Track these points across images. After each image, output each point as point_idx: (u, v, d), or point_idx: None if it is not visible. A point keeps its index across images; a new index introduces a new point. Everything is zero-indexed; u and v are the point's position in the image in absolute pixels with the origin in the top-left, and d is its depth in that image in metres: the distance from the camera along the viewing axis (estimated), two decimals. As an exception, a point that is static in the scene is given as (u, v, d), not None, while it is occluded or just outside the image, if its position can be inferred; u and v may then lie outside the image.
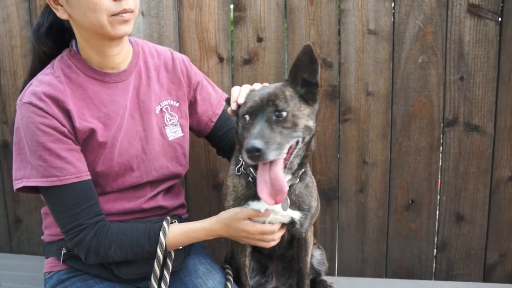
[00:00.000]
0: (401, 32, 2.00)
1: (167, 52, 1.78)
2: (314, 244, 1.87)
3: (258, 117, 1.36)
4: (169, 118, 1.69)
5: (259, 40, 2.06)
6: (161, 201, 1.70)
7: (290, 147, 1.37)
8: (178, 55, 1.80)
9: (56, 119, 1.44)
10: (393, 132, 2.09)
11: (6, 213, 2.34)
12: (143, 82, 1.66)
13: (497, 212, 2.11)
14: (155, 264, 1.51)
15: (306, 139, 1.42)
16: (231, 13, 2.08)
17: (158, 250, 1.51)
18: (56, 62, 1.56)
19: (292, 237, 1.70)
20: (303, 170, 1.54)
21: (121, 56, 1.59)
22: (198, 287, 1.62)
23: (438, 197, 2.13)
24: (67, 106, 1.47)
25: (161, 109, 1.68)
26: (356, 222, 2.18)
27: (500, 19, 1.94)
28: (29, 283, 1.99)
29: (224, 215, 1.54)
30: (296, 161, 1.47)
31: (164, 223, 1.55)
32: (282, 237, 1.65)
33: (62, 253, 1.61)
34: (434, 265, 2.19)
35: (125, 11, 1.44)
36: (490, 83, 2.00)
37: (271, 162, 1.34)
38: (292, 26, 2.04)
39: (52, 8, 1.50)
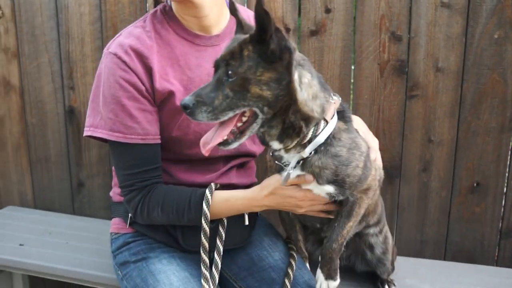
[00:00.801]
0: (477, 5, 1.91)
1: None
2: (376, 234, 1.68)
3: (215, 75, 1.24)
4: None
5: (327, 11, 2.02)
6: (234, 178, 1.65)
7: (250, 114, 1.24)
8: None
9: (137, 75, 1.43)
10: (462, 111, 2.01)
11: (70, 177, 2.42)
12: None
13: None
14: (202, 234, 1.46)
15: (266, 110, 1.21)
16: (299, -17, 2.04)
17: (203, 221, 1.45)
18: (149, 15, 1.53)
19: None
20: (311, 141, 1.31)
21: (211, 19, 1.52)
22: (264, 259, 1.61)
23: (506, 181, 2.04)
24: (150, 64, 1.45)
25: None
26: (417, 202, 2.12)
27: None
28: (93, 243, 2.06)
29: (266, 182, 1.44)
30: (274, 132, 1.28)
31: (207, 189, 1.48)
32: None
33: (129, 216, 1.62)
34: (497, 251, 2.11)
35: None
36: None
37: (222, 123, 1.24)
38: (361, -2, 1.99)
39: None
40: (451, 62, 1.97)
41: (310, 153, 1.32)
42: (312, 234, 1.74)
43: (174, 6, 1.53)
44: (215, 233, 1.52)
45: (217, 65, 1.25)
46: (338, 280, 1.50)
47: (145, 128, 1.47)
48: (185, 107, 1.19)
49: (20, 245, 2.03)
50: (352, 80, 2.10)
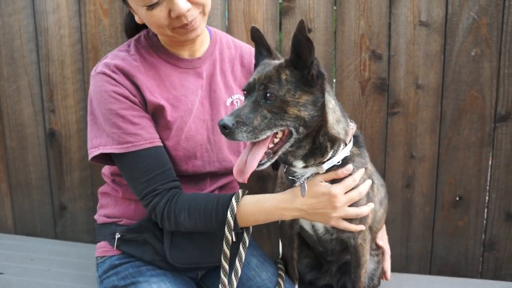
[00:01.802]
0: (454, 24, 1.95)
1: (247, 47, 1.78)
2: (373, 255, 1.75)
3: (249, 96, 1.31)
4: None
5: (308, 30, 2.03)
6: None
7: (283, 134, 1.31)
8: None
9: (127, 89, 1.49)
10: (442, 127, 2.04)
11: (51, 200, 2.38)
12: (216, 72, 1.66)
13: (550, 211, 2.05)
14: (224, 242, 1.45)
15: (301, 130, 1.30)
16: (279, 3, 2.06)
17: (226, 229, 1.43)
18: (133, 41, 1.60)
19: (345, 245, 1.59)
20: (330, 159, 1.39)
21: (197, 44, 1.61)
22: (251, 279, 1.62)
23: (487, 194, 2.08)
24: (137, 81, 1.50)
25: (232, 101, 1.68)
26: (401, 217, 2.14)
27: (559, 11, 1.88)
28: (76, 269, 2.02)
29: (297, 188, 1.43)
30: (300, 152, 1.36)
31: (234, 197, 1.47)
32: (331, 244, 1.60)
33: (116, 238, 1.61)
34: (481, 264, 2.14)
35: (187, 25, 1.46)
36: (547, 77, 1.94)
37: (255, 144, 1.29)
38: (341, 17, 2.01)
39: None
40: (430, 79, 2.01)
41: (326, 170, 1.39)
42: (308, 257, 1.75)
43: (166, 38, 1.57)
44: (238, 240, 1.51)
45: (250, 88, 1.31)
46: None
47: (150, 132, 1.50)
48: (224, 127, 1.22)
49: (0, 273, 1.98)
50: (334, 98, 2.12)
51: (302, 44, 1.24)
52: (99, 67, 1.52)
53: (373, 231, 1.62)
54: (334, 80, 2.11)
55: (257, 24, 2.06)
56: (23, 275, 1.97)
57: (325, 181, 1.40)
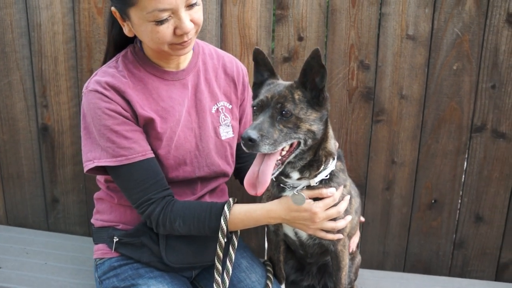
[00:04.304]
0: (438, 39, 2.05)
1: (229, 57, 1.86)
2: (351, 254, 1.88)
3: (264, 112, 1.42)
4: (223, 118, 1.77)
5: (300, 39, 2.11)
6: (207, 200, 1.78)
7: (291, 146, 1.44)
8: (240, 64, 1.89)
9: (119, 105, 1.56)
10: (423, 135, 2.17)
11: (43, 193, 2.43)
12: (201, 81, 1.73)
13: (515, 215, 2.23)
14: (218, 246, 1.58)
15: (309, 143, 1.45)
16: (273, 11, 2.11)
17: (220, 234, 1.56)
18: (120, 57, 1.66)
19: (325, 249, 1.74)
20: (321, 173, 1.54)
21: (182, 56, 1.67)
22: (242, 281, 1.73)
23: (460, 198, 2.24)
24: (128, 97, 1.57)
25: (217, 109, 1.76)
26: (380, 217, 2.29)
27: (537, 32, 2.00)
28: (72, 263, 2.10)
29: (285, 198, 1.57)
30: (300, 163, 1.51)
31: (226, 205, 1.59)
32: (313, 248, 1.75)
33: (114, 241, 1.71)
34: (450, 261, 2.32)
35: (185, 42, 1.54)
36: (521, 93, 2.08)
37: (266, 156, 1.42)
38: (332, 27, 2.09)
39: (120, 23, 1.59)
40: (414, 90, 2.12)
41: (316, 182, 1.55)
42: (293, 259, 1.89)
43: (153, 52, 1.64)
44: (228, 242, 1.65)
45: (263, 105, 1.44)
46: None
47: (142, 145, 1.59)
48: (250, 140, 1.34)
49: (-1, 267, 2.05)
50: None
51: (314, 70, 1.42)
52: (91, 84, 1.58)
53: (349, 236, 1.76)
54: (323, 87, 2.20)
55: (251, 30, 2.11)
56: (21, 269, 2.04)
57: (309, 198, 1.55)
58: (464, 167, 2.20)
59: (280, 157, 1.44)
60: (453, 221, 2.27)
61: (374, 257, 2.33)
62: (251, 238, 2.36)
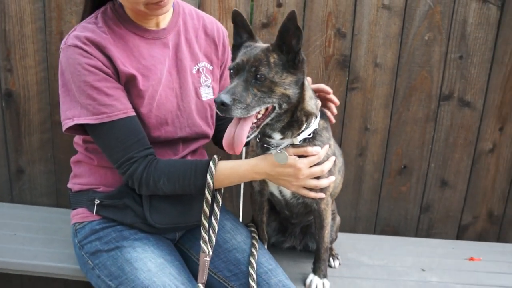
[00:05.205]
0: (412, 9, 2.13)
1: (209, 18, 1.83)
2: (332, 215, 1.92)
3: (239, 75, 1.42)
4: (204, 79, 1.75)
5: (279, 5, 2.11)
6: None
7: (267, 109, 1.44)
8: (221, 25, 1.86)
9: (100, 61, 1.52)
10: (395, 103, 2.25)
11: (7, 163, 2.30)
12: (182, 41, 1.70)
13: (476, 180, 2.37)
14: (204, 202, 1.57)
15: (284, 106, 1.46)
16: (252, -24, 2.10)
17: (206, 190, 1.56)
18: (100, 13, 1.60)
19: (309, 208, 1.78)
20: (303, 132, 1.56)
21: (161, 16, 1.63)
22: (227, 241, 1.73)
23: (428, 164, 2.35)
24: (108, 52, 1.53)
25: (198, 69, 1.73)
26: (353, 183, 2.36)
27: (501, 4, 2.11)
28: (43, 233, 2.01)
29: (270, 155, 1.57)
30: (279, 125, 1.52)
31: (211, 161, 1.58)
32: (297, 208, 1.78)
33: (96, 204, 1.66)
34: (417, 224, 2.44)
35: (161, 1, 1.50)
36: (485, 63, 2.20)
37: (242, 119, 1.43)
38: (311, -6, 2.10)
39: None
40: (387, 59, 2.19)
41: (300, 140, 1.56)
42: (276, 221, 1.91)
43: (131, 11, 1.60)
44: (212, 200, 1.62)
45: (239, 68, 1.42)
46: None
47: (124, 103, 1.55)
48: (223, 104, 1.33)
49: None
50: (299, 72, 2.23)
51: (290, 32, 1.39)
52: (70, 39, 1.52)
53: (332, 196, 1.81)
54: (300, 54, 2.22)
55: (230, -5, 2.09)
56: (-11, 240, 1.93)
57: (295, 155, 1.56)
58: (432, 134, 2.31)
59: (255, 120, 1.44)
60: (421, 186, 2.39)
61: (346, 222, 2.41)
62: (226, 205, 2.37)
